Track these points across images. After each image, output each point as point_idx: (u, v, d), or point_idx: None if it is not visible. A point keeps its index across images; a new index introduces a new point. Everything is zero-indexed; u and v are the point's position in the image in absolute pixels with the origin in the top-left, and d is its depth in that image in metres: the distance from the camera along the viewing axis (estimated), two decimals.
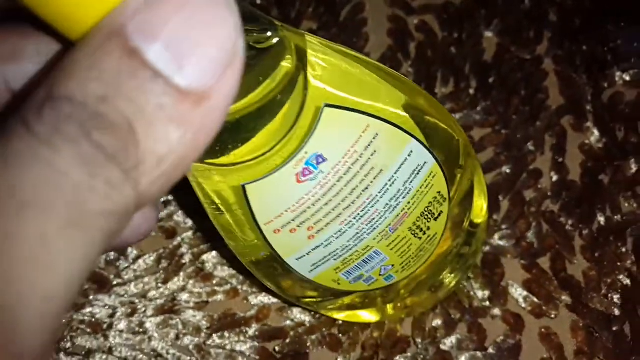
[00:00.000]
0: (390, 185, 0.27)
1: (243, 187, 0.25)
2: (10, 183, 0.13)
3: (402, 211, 0.28)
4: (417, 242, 0.29)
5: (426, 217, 0.29)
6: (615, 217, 0.39)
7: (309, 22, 0.45)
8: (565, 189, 0.40)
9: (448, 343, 0.36)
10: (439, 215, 0.30)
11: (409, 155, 0.27)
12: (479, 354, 0.36)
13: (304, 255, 0.28)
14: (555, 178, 0.40)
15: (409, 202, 0.28)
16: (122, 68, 0.13)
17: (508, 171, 0.40)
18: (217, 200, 0.27)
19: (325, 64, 0.25)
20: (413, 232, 0.29)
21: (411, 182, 0.27)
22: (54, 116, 0.13)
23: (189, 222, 0.39)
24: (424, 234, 0.29)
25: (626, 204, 0.40)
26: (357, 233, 0.28)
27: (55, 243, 0.13)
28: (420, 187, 0.28)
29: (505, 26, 0.44)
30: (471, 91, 0.42)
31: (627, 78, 0.43)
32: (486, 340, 0.37)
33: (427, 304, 0.36)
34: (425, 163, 0.28)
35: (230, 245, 0.29)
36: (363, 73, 0.26)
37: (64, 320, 0.32)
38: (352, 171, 0.26)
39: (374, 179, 0.26)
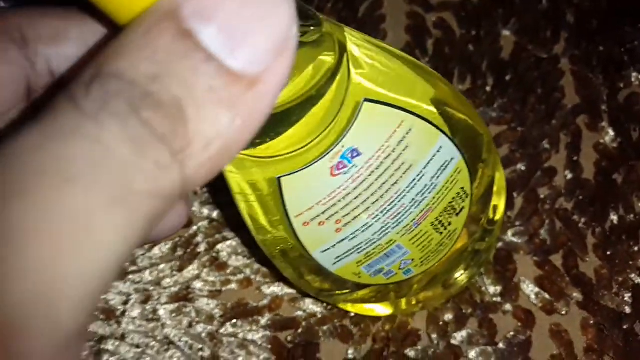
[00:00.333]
0: (418, 181, 0.27)
1: (278, 179, 0.25)
2: (56, 157, 0.13)
3: (427, 206, 0.28)
4: (438, 237, 0.30)
5: (449, 212, 0.29)
6: (629, 216, 0.39)
7: (327, 17, 0.45)
8: (579, 188, 0.40)
9: (458, 337, 0.37)
10: (461, 210, 0.30)
11: (438, 151, 0.27)
12: (489, 348, 0.37)
13: (329, 248, 0.28)
14: (569, 176, 0.40)
15: (434, 198, 0.28)
16: (175, 49, 0.13)
17: (523, 168, 0.40)
18: (249, 191, 0.27)
19: (365, 59, 0.25)
20: (435, 227, 0.29)
21: (438, 177, 0.28)
22: (102, 93, 0.13)
23: (205, 212, 0.40)
24: (445, 229, 0.30)
25: (639, 204, 0.40)
26: (383, 227, 0.28)
27: (99, 221, 0.13)
28: (446, 183, 0.28)
29: (523, 25, 0.44)
30: (488, 88, 0.42)
31: None
32: (496, 336, 0.37)
33: (439, 299, 0.37)
34: (452, 159, 0.28)
35: (255, 236, 0.30)
36: (400, 68, 0.26)
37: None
38: (384, 166, 0.26)
39: (404, 173, 0.27)
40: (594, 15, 0.45)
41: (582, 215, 0.39)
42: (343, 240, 0.28)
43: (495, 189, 0.33)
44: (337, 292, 0.33)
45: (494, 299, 0.38)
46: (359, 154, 0.25)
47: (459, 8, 0.45)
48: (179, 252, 0.39)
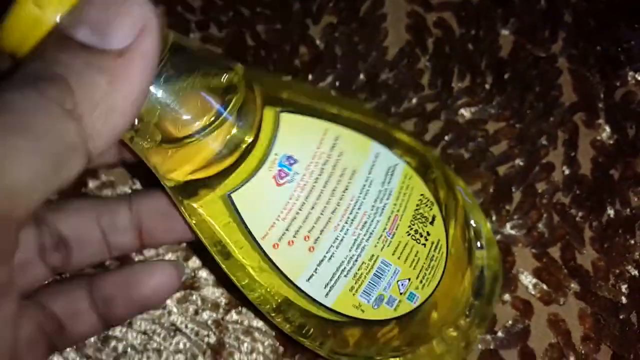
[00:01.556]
0: (369, 186, 0.28)
1: (230, 197, 0.27)
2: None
3: (392, 213, 0.29)
4: (422, 250, 0.30)
5: (420, 220, 0.30)
6: (625, 210, 0.40)
7: (329, 16, 0.46)
8: (577, 183, 0.41)
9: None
10: (433, 219, 0.30)
11: (376, 157, 0.29)
12: (488, 337, 0.37)
13: (313, 274, 0.28)
14: (567, 172, 0.41)
15: (395, 204, 0.29)
16: (60, 48, 0.21)
17: (521, 164, 0.41)
18: (215, 228, 0.28)
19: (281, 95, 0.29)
20: (413, 237, 0.29)
21: (389, 182, 0.29)
22: (20, 78, 0.20)
23: None
24: (426, 239, 0.30)
25: (635, 199, 0.41)
26: (356, 240, 0.28)
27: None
28: (401, 189, 0.29)
29: (522, 25, 0.46)
30: (487, 86, 0.43)
31: (639, 78, 0.44)
32: (496, 325, 0.38)
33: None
34: (396, 165, 0.30)
35: (249, 297, 0.30)
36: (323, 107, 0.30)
37: None
38: (326, 172, 0.28)
39: (350, 179, 0.28)
40: (591, 15, 0.46)
41: (579, 210, 0.40)
42: (322, 261, 0.28)
43: (474, 211, 0.35)
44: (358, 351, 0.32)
45: None
46: (295, 161, 0.27)
47: (459, 8, 0.46)
48: (184, 243, 0.40)
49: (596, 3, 0.46)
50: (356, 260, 0.28)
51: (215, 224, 0.28)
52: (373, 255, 0.28)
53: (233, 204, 0.27)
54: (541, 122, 0.42)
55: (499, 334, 0.38)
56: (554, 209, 0.40)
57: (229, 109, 0.26)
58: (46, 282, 0.30)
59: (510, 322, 0.38)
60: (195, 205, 0.27)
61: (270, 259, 0.27)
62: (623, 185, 0.41)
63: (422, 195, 0.30)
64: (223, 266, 0.29)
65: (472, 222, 0.35)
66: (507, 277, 0.38)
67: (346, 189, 0.28)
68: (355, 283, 0.28)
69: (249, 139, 0.27)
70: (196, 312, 0.38)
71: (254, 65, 0.44)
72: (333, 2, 0.47)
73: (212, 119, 0.26)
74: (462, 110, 0.43)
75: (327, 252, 0.28)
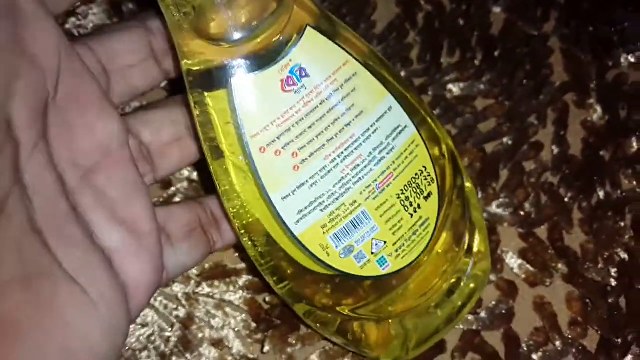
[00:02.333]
0: (373, 133, 0.28)
1: (231, 84, 0.26)
2: None
3: (387, 168, 0.28)
4: (408, 219, 0.29)
5: (414, 190, 0.29)
6: (615, 192, 0.39)
7: None
8: (566, 162, 0.40)
9: None
10: (429, 195, 0.29)
11: (388, 110, 0.28)
12: (470, 317, 0.36)
13: (289, 195, 0.27)
14: (556, 151, 0.40)
15: (393, 162, 0.28)
16: None
17: (509, 142, 0.40)
18: (215, 122, 0.27)
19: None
20: (402, 203, 0.29)
21: (394, 139, 0.28)
22: None
23: (185, 173, 0.39)
24: (415, 211, 0.29)
25: (626, 181, 0.39)
26: (343, 178, 0.27)
27: None
28: (404, 151, 0.28)
29: (513, 3, 0.44)
30: (476, 62, 0.42)
31: (632, 60, 0.43)
32: (481, 306, 0.36)
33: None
34: (406, 127, 0.29)
35: (226, 206, 0.29)
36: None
37: None
38: (334, 99, 0.27)
39: (356, 117, 0.27)
40: None
41: (569, 190, 0.39)
42: (302, 185, 0.27)
43: (474, 219, 0.33)
44: (316, 304, 0.31)
45: None
46: (307, 75, 0.26)
47: None
48: None
49: None
50: (337, 199, 0.27)
51: (217, 118, 0.27)
52: (355, 202, 0.28)
53: (233, 92, 0.26)
54: (531, 101, 0.41)
55: (482, 314, 0.36)
56: (541, 188, 0.39)
57: (270, 14, 0.26)
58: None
59: (493, 303, 0.36)
60: (204, 94, 0.27)
61: (253, 162, 0.26)
62: (614, 166, 0.40)
63: (424, 167, 0.29)
64: (211, 167, 0.28)
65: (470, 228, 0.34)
66: (491, 258, 0.37)
67: (348, 125, 0.27)
68: (330, 222, 0.28)
69: (271, 37, 0.26)
70: (166, 285, 0.36)
71: None
72: None
73: (251, 22, 0.25)
74: (451, 86, 0.41)
75: (310, 178, 0.27)
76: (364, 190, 0.28)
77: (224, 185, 0.28)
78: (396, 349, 0.32)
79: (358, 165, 0.27)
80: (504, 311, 0.36)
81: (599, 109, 0.41)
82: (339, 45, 0.27)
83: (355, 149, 0.27)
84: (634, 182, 0.39)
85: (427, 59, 0.42)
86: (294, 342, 0.35)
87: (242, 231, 0.29)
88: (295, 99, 0.26)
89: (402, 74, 0.42)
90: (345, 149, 0.27)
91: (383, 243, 0.28)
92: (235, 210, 0.28)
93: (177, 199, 0.38)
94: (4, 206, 0.22)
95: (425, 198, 0.29)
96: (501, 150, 0.40)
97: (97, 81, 0.27)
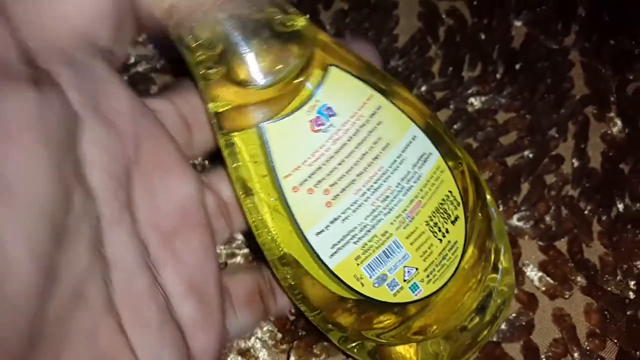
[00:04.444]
0: (400, 164, 0.28)
1: (262, 128, 0.27)
2: None
3: (415, 197, 0.29)
4: (437, 245, 0.29)
5: (442, 215, 0.29)
6: (635, 205, 0.39)
7: (341, 2, 0.46)
8: (586, 176, 0.40)
9: None
10: (456, 219, 0.30)
11: (413, 139, 0.29)
12: None
13: (324, 230, 0.28)
14: (576, 164, 0.41)
15: (421, 190, 0.29)
16: None
17: (530, 155, 0.41)
18: (245, 159, 0.28)
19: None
20: (431, 229, 0.29)
21: (420, 167, 0.29)
22: None
23: None
24: (444, 236, 0.29)
25: None
26: (374, 210, 0.28)
27: None
28: (430, 178, 0.29)
29: (534, 17, 0.45)
30: (498, 76, 0.43)
31: None
32: None
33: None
34: (430, 154, 0.29)
35: (257, 240, 0.29)
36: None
37: None
38: (361, 134, 0.28)
39: (383, 149, 0.28)
40: (605, 8, 0.45)
41: (588, 203, 0.40)
42: (336, 220, 0.28)
43: (497, 237, 0.33)
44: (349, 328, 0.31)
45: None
46: (334, 114, 0.27)
47: None
48: None
49: None
50: (369, 231, 0.28)
51: (246, 155, 0.28)
52: (387, 232, 0.28)
53: (264, 135, 0.27)
54: (552, 114, 0.42)
55: (502, 326, 0.37)
56: (562, 201, 0.40)
57: (292, 58, 0.27)
58: None
59: (514, 315, 0.37)
60: (232, 134, 0.28)
61: (286, 201, 0.27)
62: (633, 179, 0.40)
63: (450, 192, 0.30)
64: (242, 203, 0.29)
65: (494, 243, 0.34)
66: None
67: (376, 158, 0.28)
68: (363, 254, 0.28)
69: (297, 79, 0.27)
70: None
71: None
72: None
73: (277, 66, 0.27)
74: (472, 99, 0.42)
75: (342, 213, 0.28)
76: (395, 220, 0.28)
77: (254, 220, 0.29)
78: None
79: (388, 196, 0.28)
80: (524, 323, 0.37)
81: (619, 122, 0.42)
82: (363, 80, 0.28)
83: (384, 181, 0.28)
84: None
85: (448, 73, 0.43)
86: (319, 352, 0.36)
87: (274, 264, 0.30)
88: (325, 137, 0.27)
89: (424, 87, 0.42)
90: (375, 182, 0.28)
91: (415, 270, 0.29)
92: (266, 245, 0.29)
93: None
94: (83, 287, 0.21)
95: (453, 222, 0.30)
96: (522, 164, 0.40)
97: (174, 141, 0.27)
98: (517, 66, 0.43)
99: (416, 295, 0.29)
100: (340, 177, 0.27)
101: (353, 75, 0.28)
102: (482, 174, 0.40)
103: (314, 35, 0.28)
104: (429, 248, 0.29)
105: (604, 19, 0.45)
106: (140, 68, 0.43)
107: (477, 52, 0.43)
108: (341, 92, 0.28)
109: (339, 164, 0.27)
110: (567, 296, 0.37)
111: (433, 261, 0.29)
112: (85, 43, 0.23)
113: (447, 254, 0.29)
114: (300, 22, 0.28)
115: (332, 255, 0.28)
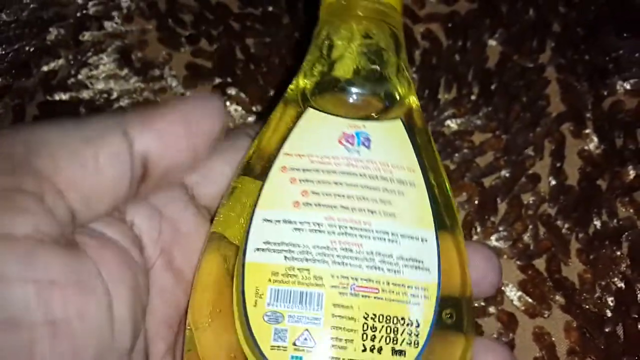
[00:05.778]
0: (390, 241, 0.25)
1: (307, 108, 0.27)
2: None
3: (376, 282, 0.24)
4: (354, 352, 0.24)
5: (387, 330, 0.24)
6: (612, 221, 0.40)
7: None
8: (563, 193, 0.41)
9: None
10: (399, 354, 0.24)
11: (421, 240, 0.25)
12: None
13: (273, 218, 0.25)
14: (553, 182, 0.41)
15: (388, 283, 0.25)
16: None
17: (507, 175, 0.41)
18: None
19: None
20: (364, 328, 0.24)
21: (405, 266, 0.25)
22: None
23: None
24: (371, 352, 0.24)
25: (623, 209, 0.40)
26: (326, 248, 0.25)
27: None
28: (408, 287, 0.25)
29: (509, 35, 0.45)
30: (473, 97, 0.43)
31: (628, 87, 0.44)
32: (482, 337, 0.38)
33: None
34: (428, 270, 0.25)
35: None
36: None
37: None
38: (376, 183, 0.26)
39: (383, 214, 0.26)
40: (580, 24, 0.46)
41: (566, 221, 0.40)
42: (290, 222, 0.25)
43: None
44: None
45: (480, 302, 0.38)
46: (368, 147, 0.26)
47: (446, 19, 0.46)
48: None
49: (585, 13, 0.46)
50: (307, 260, 0.24)
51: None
52: (320, 279, 0.24)
53: (304, 114, 0.27)
54: (528, 133, 0.42)
55: None
56: (539, 220, 0.40)
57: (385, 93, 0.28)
58: None
59: (494, 334, 0.38)
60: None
61: (268, 175, 0.26)
62: (610, 195, 0.41)
63: (417, 323, 0.24)
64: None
65: None
66: None
67: (371, 212, 0.26)
68: (282, 274, 0.24)
69: (369, 102, 0.28)
70: None
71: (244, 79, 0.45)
72: None
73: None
74: (448, 122, 0.43)
75: (300, 221, 0.25)
76: (337, 277, 0.24)
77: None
78: None
79: (351, 250, 0.24)
80: (504, 342, 0.37)
81: (595, 138, 0.42)
82: (417, 153, 0.26)
83: (360, 235, 0.25)
84: (631, 210, 0.40)
85: (424, 96, 0.44)
86: None
87: None
88: (343, 154, 0.26)
89: None
90: (350, 227, 0.25)
91: (313, 343, 0.23)
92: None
93: None
94: None
95: (394, 351, 0.24)
96: (499, 184, 0.41)
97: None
98: (492, 86, 0.44)
99: None
100: (326, 193, 0.25)
101: (413, 143, 0.26)
102: (459, 195, 0.40)
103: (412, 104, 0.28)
104: (345, 342, 0.23)
105: (578, 34, 0.45)
106: (122, 102, 0.44)
107: (452, 74, 0.44)
108: (390, 140, 0.26)
109: (335, 182, 0.25)
110: (546, 315, 0.38)
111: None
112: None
113: None
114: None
115: (258, 248, 0.25)
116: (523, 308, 0.38)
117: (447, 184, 0.27)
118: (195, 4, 0.47)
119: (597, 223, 0.40)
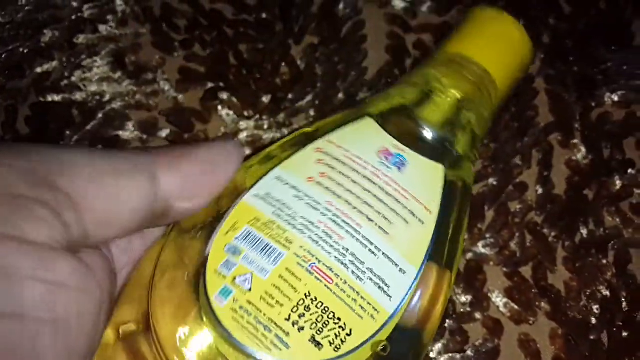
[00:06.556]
0: (373, 253, 0.26)
1: (370, 114, 0.30)
2: None
3: (336, 274, 0.25)
4: (279, 315, 0.24)
5: (327, 322, 0.24)
6: (598, 230, 0.40)
7: (311, 36, 0.47)
8: (550, 202, 0.41)
9: (435, 349, 0.38)
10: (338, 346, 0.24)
11: (401, 271, 0.26)
12: (457, 356, 0.37)
13: (282, 174, 0.28)
14: (540, 191, 0.41)
15: (348, 285, 0.25)
16: None
17: (495, 183, 0.42)
18: None
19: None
20: (303, 301, 0.24)
21: (372, 283, 0.25)
22: None
23: None
24: (298, 319, 0.24)
25: (609, 219, 0.41)
26: (311, 224, 0.26)
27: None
28: (366, 299, 0.25)
29: None
30: None
31: (616, 98, 0.44)
32: (467, 343, 0.38)
33: None
34: (398, 304, 0.25)
35: None
36: None
37: None
38: (389, 199, 0.27)
39: (381, 226, 0.27)
40: (569, 36, 0.46)
41: (552, 229, 0.40)
42: (294, 188, 0.27)
43: None
44: None
45: (466, 308, 0.38)
46: (399, 168, 0.28)
47: (438, 30, 0.46)
48: None
49: (574, 24, 0.47)
50: (290, 223, 0.26)
51: None
52: (291, 243, 0.25)
53: (363, 118, 0.30)
54: (516, 142, 0.43)
55: (469, 352, 0.37)
56: (526, 228, 0.40)
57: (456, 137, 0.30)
58: None
59: (480, 341, 0.38)
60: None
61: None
62: (597, 205, 0.41)
63: (369, 340, 0.25)
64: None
65: None
66: (478, 296, 0.38)
67: (369, 220, 0.27)
68: (258, 221, 0.26)
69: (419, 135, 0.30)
70: None
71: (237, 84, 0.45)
72: (315, 23, 0.47)
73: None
74: None
75: (306, 193, 0.27)
76: (304, 249, 0.25)
77: None
78: None
79: (330, 237, 0.26)
80: (489, 349, 0.38)
81: (583, 148, 0.43)
82: (445, 202, 0.28)
83: (347, 231, 0.26)
84: (617, 219, 0.41)
85: None
86: None
87: None
88: (375, 163, 0.27)
89: None
90: (342, 220, 0.26)
91: (249, 287, 0.24)
92: None
93: None
94: None
95: (313, 339, 0.24)
96: (486, 192, 0.41)
97: None
98: None
99: (222, 304, 0.24)
100: (340, 184, 0.27)
101: (446, 192, 0.28)
102: None
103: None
104: (275, 303, 0.24)
105: (567, 45, 0.46)
106: (115, 105, 0.44)
107: None
108: (423, 177, 0.28)
109: (353, 181, 0.27)
110: (531, 322, 0.38)
111: (270, 319, 0.24)
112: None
113: (281, 336, 0.24)
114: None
115: (256, 195, 0.26)
116: (509, 315, 0.38)
117: (461, 241, 0.29)
118: (189, 10, 0.48)
119: (584, 232, 0.40)
